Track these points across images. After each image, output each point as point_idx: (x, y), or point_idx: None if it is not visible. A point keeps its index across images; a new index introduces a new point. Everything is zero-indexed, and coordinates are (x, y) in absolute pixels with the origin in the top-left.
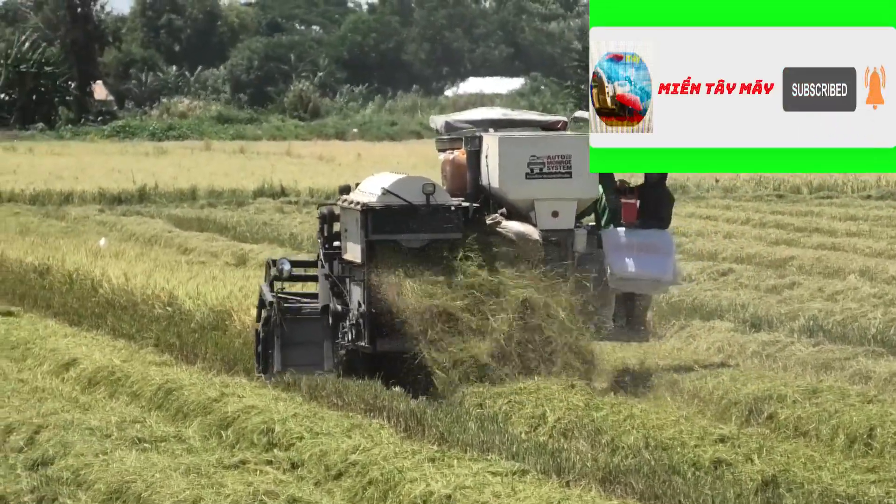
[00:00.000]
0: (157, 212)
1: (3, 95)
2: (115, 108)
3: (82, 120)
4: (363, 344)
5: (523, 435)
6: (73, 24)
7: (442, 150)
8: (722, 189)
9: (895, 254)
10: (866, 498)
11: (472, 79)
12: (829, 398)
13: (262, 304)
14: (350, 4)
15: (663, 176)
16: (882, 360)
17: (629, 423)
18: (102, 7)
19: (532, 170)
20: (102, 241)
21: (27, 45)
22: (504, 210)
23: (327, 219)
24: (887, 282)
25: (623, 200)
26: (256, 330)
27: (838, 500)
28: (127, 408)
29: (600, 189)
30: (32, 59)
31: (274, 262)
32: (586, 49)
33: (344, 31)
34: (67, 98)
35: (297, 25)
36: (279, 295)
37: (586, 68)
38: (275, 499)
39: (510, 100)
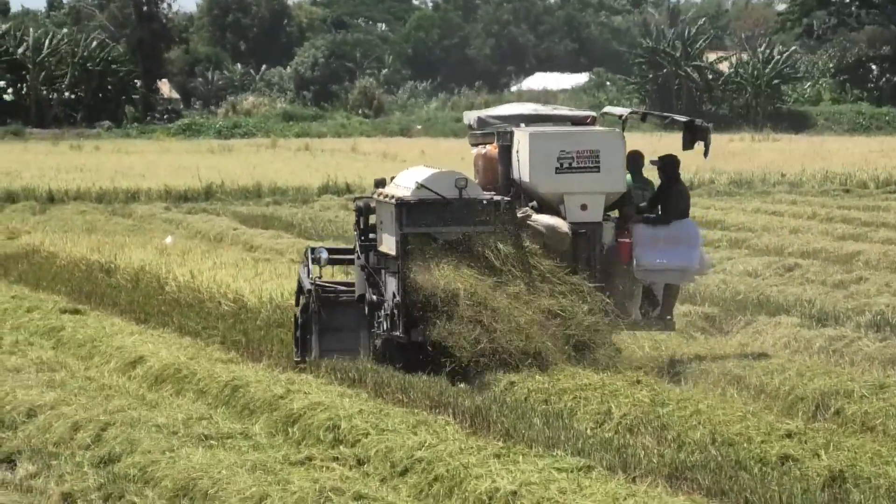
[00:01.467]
0: (222, 209)
1: (69, 94)
2: (182, 106)
3: (148, 118)
4: (398, 334)
5: (589, 431)
6: (140, 22)
7: (475, 145)
8: (788, 184)
9: None
10: None
11: (537, 74)
12: None
13: (300, 290)
14: (415, 1)
15: (677, 170)
16: None
17: (695, 419)
18: (169, 6)
19: (561, 164)
20: (168, 239)
21: (94, 43)
22: (534, 203)
23: (363, 211)
24: None
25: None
26: (295, 316)
27: None
28: (193, 405)
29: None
30: (99, 57)
31: (312, 250)
32: (652, 45)
33: (409, 27)
34: (134, 96)
35: (362, 23)
36: (317, 282)
37: (651, 64)
38: (340, 495)
39: (574, 95)
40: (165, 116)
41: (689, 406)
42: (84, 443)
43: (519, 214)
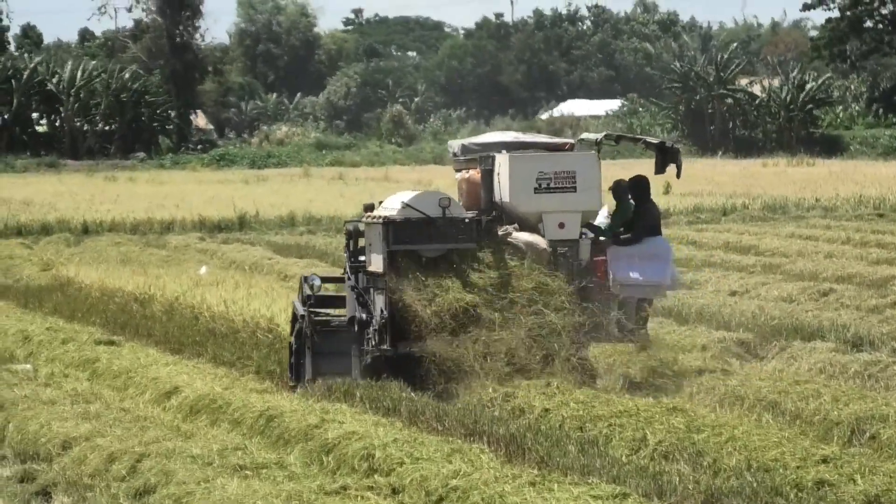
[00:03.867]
0: (256, 239)
1: (104, 125)
2: (215, 136)
3: (182, 149)
4: (385, 347)
5: (624, 458)
6: (173, 53)
7: (458, 171)
8: (822, 208)
9: None
10: None
11: (569, 101)
12: None
13: (294, 318)
14: (447, 29)
15: (648, 190)
16: None
17: (731, 445)
18: (202, 36)
19: (540, 185)
20: (203, 269)
21: (127, 75)
22: (516, 225)
23: (353, 235)
24: None
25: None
26: (290, 343)
27: None
28: (228, 435)
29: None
30: (133, 88)
31: (306, 278)
32: (685, 69)
33: (441, 55)
34: (168, 127)
35: (394, 51)
36: (310, 309)
37: (684, 89)
38: None
39: (607, 122)
40: (199, 147)
41: (725, 432)
42: (119, 474)
43: (500, 232)
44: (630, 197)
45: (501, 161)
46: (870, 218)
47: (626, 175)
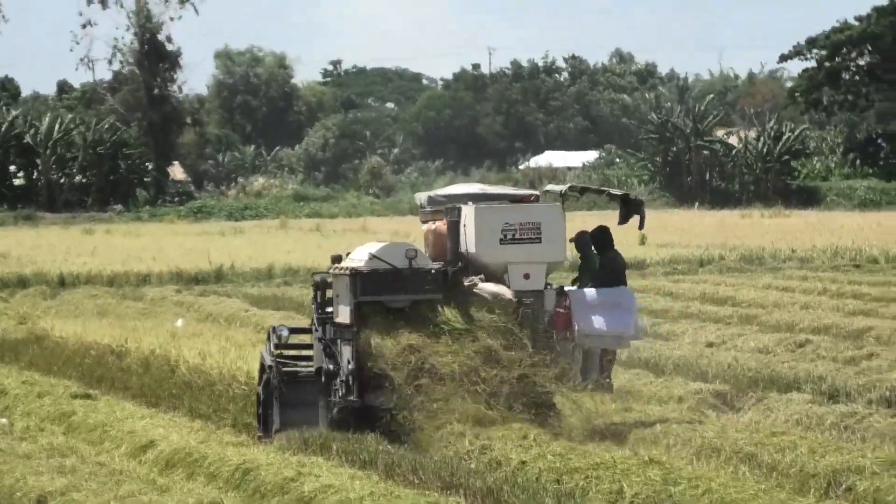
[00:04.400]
0: (233, 291)
1: (81, 178)
2: (193, 188)
3: (160, 201)
4: (352, 398)
5: None
6: (151, 105)
7: (425, 222)
8: (798, 259)
9: None
10: None
11: (546, 152)
12: None
13: (262, 368)
14: (424, 81)
15: (611, 241)
16: None
17: (707, 498)
18: (180, 88)
19: (505, 235)
20: (179, 322)
21: (105, 127)
22: (482, 276)
23: (321, 286)
24: None
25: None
26: (258, 393)
27: None
28: (204, 489)
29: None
30: (110, 141)
31: (274, 328)
32: (662, 120)
33: (419, 107)
34: (145, 179)
35: (372, 102)
36: (278, 360)
37: (661, 140)
38: None
39: (584, 173)
40: (177, 199)
41: (702, 485)
42: None
43: (466, 283)
44: (593, 248)
45: (467, 212)
46: (846, 269)
47: (583, 226)
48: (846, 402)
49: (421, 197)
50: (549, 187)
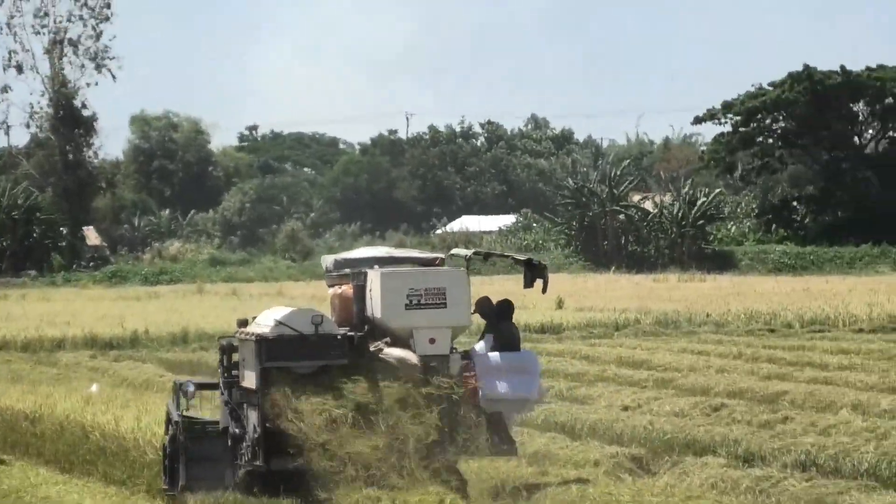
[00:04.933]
0: (148, 356)
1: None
2: (108, 252)
3: (74, 266)
4: (258, 463)
5: None
6: (66, 170)
7: (331, 286)
8: (714, 324)
9: (887, 387)
10: None
11: (464, 217)
12: None
13: (168, 421)
14: (342, 146)
15: (511, 312)
16: (874, 494)
17: None
18: (95, 153)
19: (411, 301)
20: (94, 387)
21: (19, 191)
22: (388, 339)
23: (227, 350)
24: (879, 416)
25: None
26: (164, 445)
27: None
28: None
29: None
30: (24, 206)
31: (180, 384)
32: (578, 186)
33: (336, 171)
34: (60, 244)
35: (289, 167)
36: (184, 415)
37: (577, 205)
38: None
39: (501, 237)
40: (91, 264)
41: None
42: None
43: (372, 348)
44: (496, 316)
45: (373, 277)
46: (761, 333)
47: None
48: (761, 466)
49: (327, 260)
50: (455, 251)
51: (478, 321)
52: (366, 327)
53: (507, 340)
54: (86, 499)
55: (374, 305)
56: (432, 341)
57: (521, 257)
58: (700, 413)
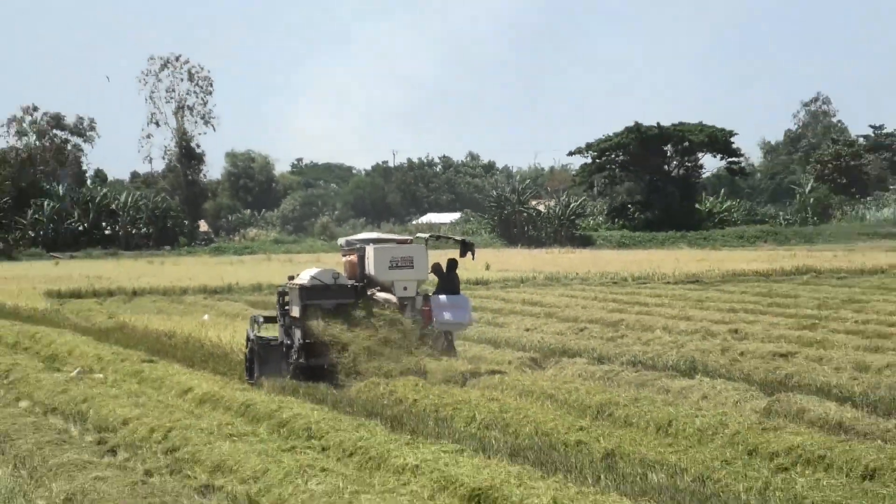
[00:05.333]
0: (238, 298)
1: (145, 230)
2: (213, 235)
3: (192, 244)
4: (301, 361)
5: (462, 428)
6: (186, 186)
7: (344, 255)
8: (580, 279)
9: (684, 316)
10: (667, 462)
11: (428, 214)
12: (644, 404)
13: (247, 339)
14: (353, 170)
15: (455, 266)
16: (675, 380)
17: (526, 420)
18: (204, 175)
19: (392, 264)
20: (205, 317)
21: (159, 199)
22: (378, 287)
23: (282, 294)
24: (679, 333)
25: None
26: (245, 354)
27: (652, 465)
28: (223, 416)
29: (430, 274)
30: (162, 208)
31: (254, 317)
32: (498, 195)
33: (351, 186)
34: (184, 231)
35: (322, 184)
36: (257, 335)
37: (498, 206)
38: (312, 469)
39: (451, 227)
40: (202, 242)
41: (522, 412)
42: (157, 439)
43: (368, 293)
44: (444, 268)
45: (369, 251)
46: (608, 284)
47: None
48: (608, 364)
49: (341, 240)
50: (419, 235)
51: (433, 277)
52: (364, 281)
53: (451, 287)
54: (203, 383)
55: (370, 267)
56: (405, 288)
57: (458, 238)
58: (571, 332)
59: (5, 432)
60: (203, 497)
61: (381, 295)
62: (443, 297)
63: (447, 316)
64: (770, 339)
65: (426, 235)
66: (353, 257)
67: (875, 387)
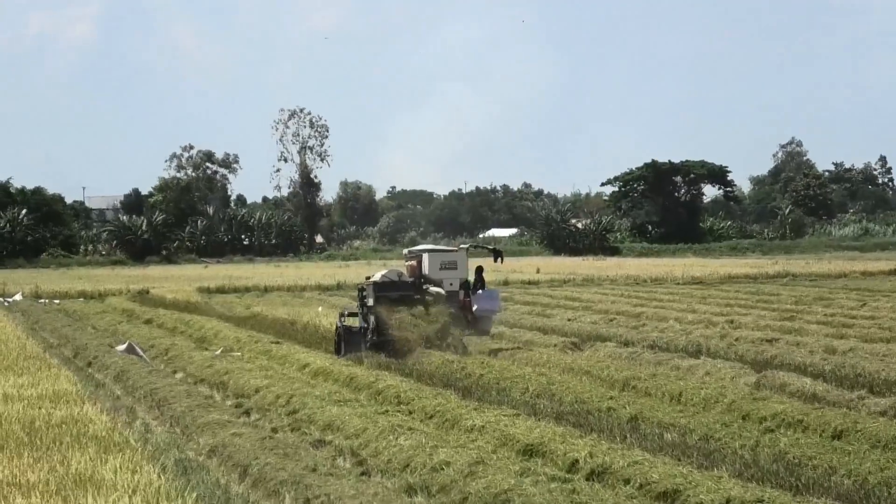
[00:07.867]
0: (344, 294)
1: (275, 241)
2: (326, 246)
3: (310, 252)
4: (375, 338)
5: (518, 396)
6: (306, 207)
7: (407, 260)
8: (611, 280)
9: (691, 310)
10: (679, 424)
11: (493, 229)
12: (661, 379)
13: (336, 327)
14: (434, 195)
15: (482, 273)
16: (685, 360)
17: (568, 391)
18: (321, 199)
19: (441, 266)
20: (320, 308)
21: (286, 217)
22: (432, 284)
23: (361, 290)
24: (689, 323)
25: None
26: (335, 338)
27: (667, 426)
28: (333, 386)
29: (471, 275)
30: (288, 224)
31: (342, 310)
32: (546, 215)
33: (433, 208)
34: (303, 242)
35: (410, 205)
36: (343, 323)
37: (547, 224)
38: (401, 428)
39: (510, 240)
40: (318, 251)
41: (565, 384)
42: (281, 404)
43: (425, 287)
44: (477, 274)
45: (425, 256)
46: (633, 285)
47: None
48: (633, 347)
49: (405, 251)
50: (462, 245)
51: (471, 276)
52: (421, 279)
53: (483, 284)
54: (317, 360)
55: (425, 268)
56: (451, 284)
57: (492, 248)
58: (603, 322)
59: (164, 398)
60: (316, 449)
61: (434, 290)
62: (480, 291)
63: (483, 304)
64: (758, 328)
65: (467, 245)
66: (414, 262)
67: (841, 366)
